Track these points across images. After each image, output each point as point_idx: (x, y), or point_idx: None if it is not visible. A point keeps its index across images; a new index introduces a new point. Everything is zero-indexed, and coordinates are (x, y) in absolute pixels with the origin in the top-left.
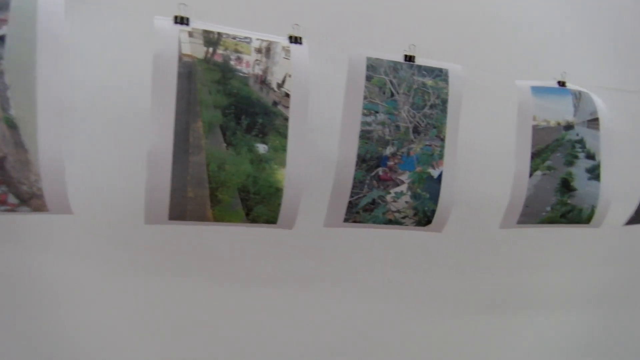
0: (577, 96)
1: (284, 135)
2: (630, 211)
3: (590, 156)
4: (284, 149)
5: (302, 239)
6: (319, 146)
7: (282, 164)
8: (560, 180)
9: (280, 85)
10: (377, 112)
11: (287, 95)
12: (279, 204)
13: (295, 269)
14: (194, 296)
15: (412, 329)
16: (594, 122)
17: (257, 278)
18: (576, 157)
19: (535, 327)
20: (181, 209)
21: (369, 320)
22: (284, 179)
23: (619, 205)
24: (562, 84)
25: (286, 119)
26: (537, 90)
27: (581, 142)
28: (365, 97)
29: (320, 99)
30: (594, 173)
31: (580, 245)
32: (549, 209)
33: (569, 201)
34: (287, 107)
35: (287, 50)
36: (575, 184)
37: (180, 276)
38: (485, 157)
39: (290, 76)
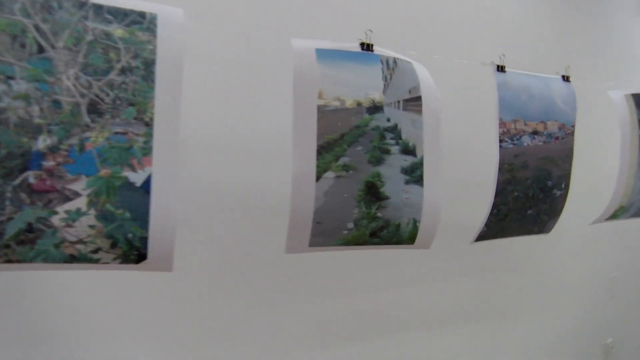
0: (390, 65)
1: None
2: (478, 224)
3: (408, 150)
4: None
5: None
6: None
7: None
8: (363, 185)
9: None
10: (10, 77)
11: None
12: None
13: None
14: None
15: None
16: (414, 103)
17: None
18: (387, 151)
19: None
20: None
21: None
22: None
23: (463, 217)
24: (367, 47)
25: None
26: (326, 55)
27: (394, 130)
28: None
29: None
30: (415, 174)
31: (425, 260)
32: (351, 225)
33: (379, 214)
34: None
35: None
36: (386, 189)
37: None
38: (259, 151)
39: None
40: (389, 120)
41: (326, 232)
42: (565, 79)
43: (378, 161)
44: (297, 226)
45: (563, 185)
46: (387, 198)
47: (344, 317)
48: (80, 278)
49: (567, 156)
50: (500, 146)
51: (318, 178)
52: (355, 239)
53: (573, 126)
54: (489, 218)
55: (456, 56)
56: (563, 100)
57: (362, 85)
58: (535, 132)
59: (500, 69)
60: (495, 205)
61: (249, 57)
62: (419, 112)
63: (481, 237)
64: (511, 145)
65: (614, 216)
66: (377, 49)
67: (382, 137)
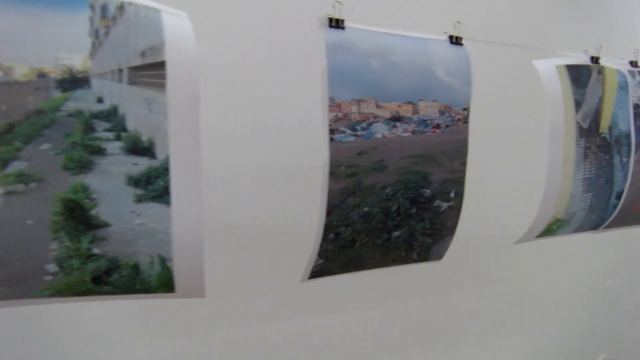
0: (109, 13)
1: None
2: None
3: (140, 149)
4: None
5: None
6: None
7: None
8: (60, 206)
9: None
10: None
11: None
12: None
13: None
14: None
15: None
16: (151, 72)
17: None
18: (98, 151)
19: None
20: None
21: None
22: None
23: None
24: None
25: None
26: None
27: (112, 116)
28: None
29: None
30: (153, 187)
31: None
32: (54, 267)
33: (96, 250)
34: None
35: None
36: (102, 211)
37: None
38: None
39: None
40: (101, 100)
41: (12, 279)
42: (455, 40)
43: (82, 167)
44: None
45: (452, 194)
46: (105, 225)
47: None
48: None
49: (458, 152)
50: (332, 139)
51: None
52: (70, 288)
53: (466, 109)
54: (322, 245)
55: (283, 7)
56: (449, 71)
57: (48, 44)
58: (396, 118)
59: (337, 23)
60: (330, 227)
61: None
62: (160, 87)
63: (318, 272)
64: (352, 138)
65: (549, 232)
66: None
67: (89, 129)
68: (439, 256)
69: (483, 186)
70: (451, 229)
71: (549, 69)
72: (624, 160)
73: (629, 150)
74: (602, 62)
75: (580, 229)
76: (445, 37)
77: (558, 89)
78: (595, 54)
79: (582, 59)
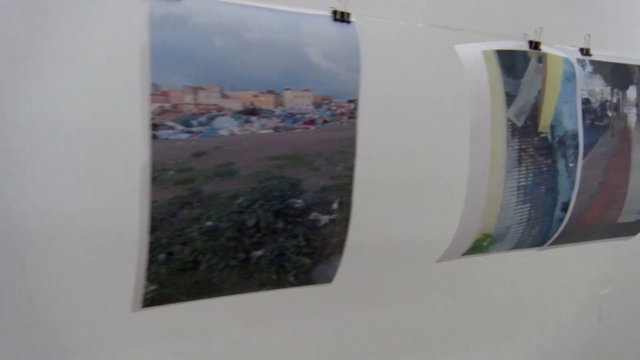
0: None
1: None
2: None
3: None
4: None
5: None
6: None
7: None
8: None
9: None
10: None
11: None
12: None
13: None
14: None
15: None
16: None
17: None
18: None
19: None
20: None
21: None
22: None
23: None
24: None
25: None
26: None
27: None
28: None
29: None
30: None
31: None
32: None
33: None
34: None
35: None
36: None
37: None
38: None
39: None
40: None
41: None
42: (340, 17)
43: None
44: None
45: (335, 205)
46: None
47: None
48: None
49: (342, 153)
50: (154, 136)
51: None
52: None
53: (353, 101)
54: (150, 268)
55: None
56: (328, 54)
57: None
58: (251, 111)
59: None
60: (159, 246)
61: None
62: None
63: (154, 299)
64: (185, 135)
65: (479, 249)
66: None
67: None
68: (327, 278)
69: (394, 192)
70: (338, 247)
71: (473, 55)
72: (571, 165)
73: (576, 153)
74: (544, 48)
75: (520, 245)
76: (327, 13)
77: (484, 78)
78: (535, 39)
79: (519, 44)
